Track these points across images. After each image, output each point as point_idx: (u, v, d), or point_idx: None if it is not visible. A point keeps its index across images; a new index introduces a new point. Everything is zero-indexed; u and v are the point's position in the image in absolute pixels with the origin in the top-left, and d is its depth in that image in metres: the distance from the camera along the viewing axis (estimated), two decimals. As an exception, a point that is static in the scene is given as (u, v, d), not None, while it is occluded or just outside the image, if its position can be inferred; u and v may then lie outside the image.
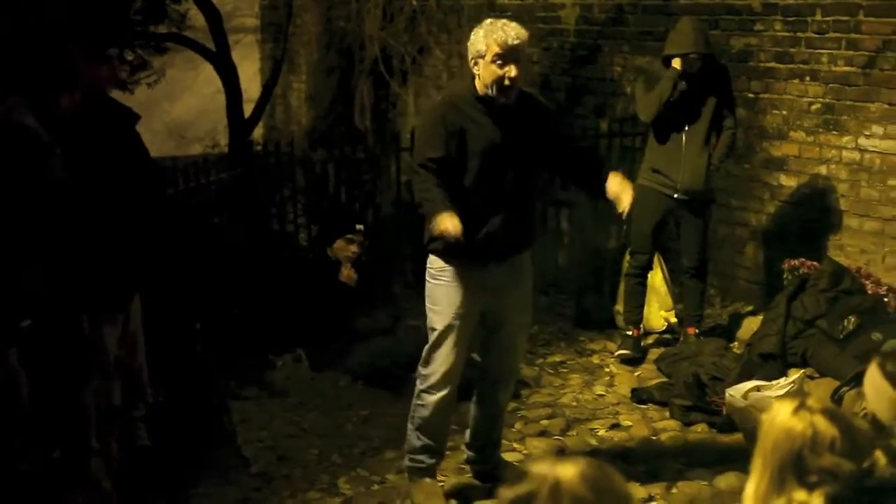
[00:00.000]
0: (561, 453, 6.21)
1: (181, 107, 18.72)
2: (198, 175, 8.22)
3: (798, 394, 6.41)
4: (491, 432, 5.94)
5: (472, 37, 5.32)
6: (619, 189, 5.40)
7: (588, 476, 2.38)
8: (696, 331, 8.08)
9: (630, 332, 8.09)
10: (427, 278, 5.51)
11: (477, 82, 5.33)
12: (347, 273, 7.88)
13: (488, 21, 5.36)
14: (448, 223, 5.01)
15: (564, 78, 10.58)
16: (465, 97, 5.37)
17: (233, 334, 7.46)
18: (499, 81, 5.23)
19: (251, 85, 13.42)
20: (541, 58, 10.83)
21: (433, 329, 5.49)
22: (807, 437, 2.87)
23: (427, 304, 5.53)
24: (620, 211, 5.44)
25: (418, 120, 5.92)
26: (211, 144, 13.62)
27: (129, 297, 5.09)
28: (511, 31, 5.22)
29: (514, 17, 10.70)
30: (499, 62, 5.21)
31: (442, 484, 5.85)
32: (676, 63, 7.52)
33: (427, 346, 5.54)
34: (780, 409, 2.97)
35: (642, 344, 8.18)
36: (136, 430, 5.30)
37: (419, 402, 5.61)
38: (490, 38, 5.21)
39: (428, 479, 5.71)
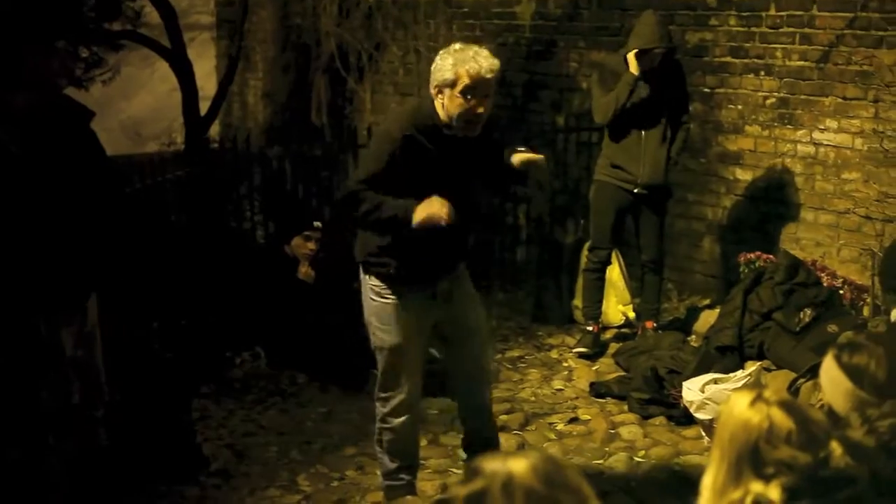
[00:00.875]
0: (521, 448, 6.23)
1: (137, 104, 18.63)
2: (154, 173, 8.18)
3: (755, 386, 6.46)
4: (481, 432, 5.70)
5: (440, 62, 4.96)
6: (520, 158, 5.19)
7: (540, 469, 2.38)
8: (654, 325, 8.12)
9: (590, 328, 8.12)
10: (370, 296, 5.26)
11: (439, 110, 5.00)
12: (305, 270, 7.86)
13: (458, 47, 5.00)
14: (434, 206, 4.84)
15: (521, 74, 10.59)
16: (427, 122, 5.03)
17: (191, 332, 7.43)
18: (465, 115, 4.93)
19: (207, 82, 13.36)
20: (497, 54, 10.73)
21: (382, 349, 5.29)
22: (763, 429, 2.88)
23: (374, 324, 5.30)
24: (533, 160, 5.19)
25: (375, 129, 5.70)
26: (167, 142, 13.55)
27: (86, 295, 5.06)
28: (484, 63, 4.89)
29: (469, 14, 10.80)
30: (468, 95, 4.90)
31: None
32: (633, 68, 7.54)
33: (381, 369, 5.34)
34: (737, 400, 2.98)
35: (600, 338, 8.20)
36: (94, 430, 5.26)
37: (385, 425, 5.42)
38: (461, 68, 4.88)
39: (409, 497, 5.57)
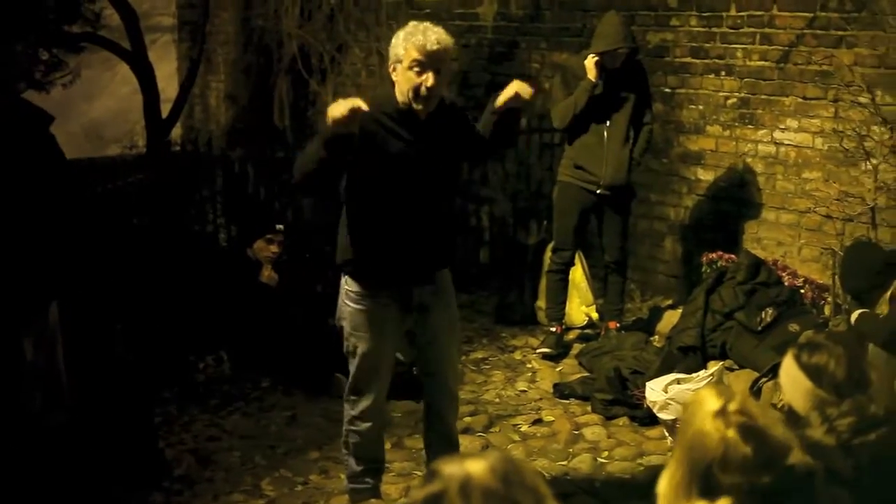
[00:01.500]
0: (485, 450, 6.23)
1: (98, 107, 18.54)
2: (115, 176, 8.14)
3: (723, 389, 6.46)
4: (444, 450, 5.51)
5: (393, 40, 4.97)
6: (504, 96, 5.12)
7: (498, 469, 2.38)
8: (618, 325, 8.14)
9: (553, 329, 8.13)
10: (346, 301, 5.24)
11: (396, 88, 4.99)
12: (268, 273, 7.84)
13: (411, 24, 4.99)
14: (338, 108, 4.69)
15: (483, 74, 10.59)
16: (385, 105, 5.00)
17: (153, 336, 7.40)
18: (415, 89, 4.90)
19: (169, 84, 13.33)
20: (459, 55, 10.83)
21: (354, 353, 5.28)
22: (717, 453, 2.86)
23: (347, 328, 5.28)
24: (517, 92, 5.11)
25: None
26: (129, 145, 13.49)
27: (46, 300, 5.03)
28: (432, 36, 4.87)
29: (431, 15, 10.79)
30: (416, 69, 4.87)
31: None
32: (591, 74, 7.56)
33: (352, 372, 5.34)
34: (703, 403, 2.96)
35: (564, 339, 8.21)
36: (56, 435, 5.22)
37: (353, 428, 5.41)
38: (409, 42, 4.87)
39: (373, 500, 5.55)
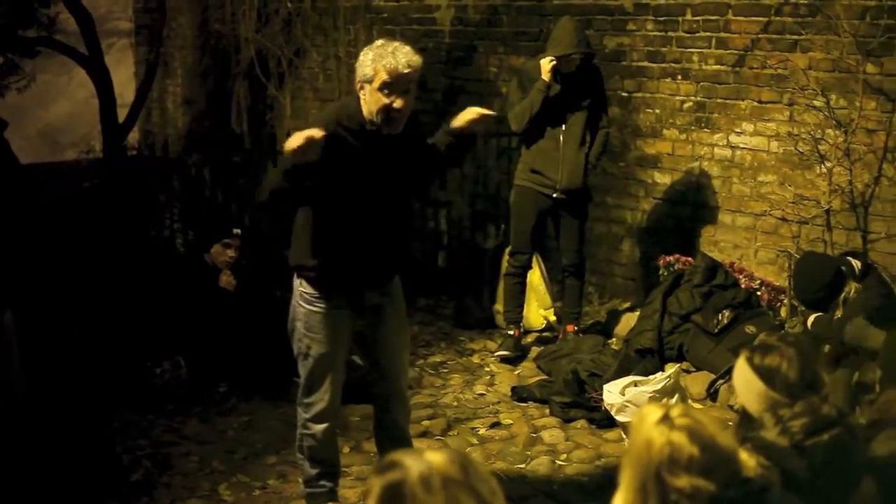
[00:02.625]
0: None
1: (54, 112, 18.39)
2: (72, 180, 8.09)
3: (672, 391, 6.51)
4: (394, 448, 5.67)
5: (361, 57, 4.95)
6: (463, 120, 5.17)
7: (456, 459, 2.41)
8: (576, 328, 8.16)
9: (511, 332, 8.14)
10: (300, 302, 5.26)
11: (363, 106, 4.98)
12: (226, 278, 7.80)
13: (379, 43, 4.97)
14: (295, 139, 4.67)
15: (441, 79, 10.60)
16: (350, 120, 5.00)
17: (111, 342, 7.35)
18: (384, 111, 4.90)
19: (126, 89, 13.24)
20: (417, 59, 10.83)
21: (307, 355, 5.29)
22: (664, 455, 2.87)
23: (300, 329, 5.28)
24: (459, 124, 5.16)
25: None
26: (85, 150, 13.37)
27: (0, 308, 5.00)
28: (402, 59, 4.86)
29: (389, 19, 10.81)
30: (385, 91, 4.87)
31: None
32: (545, 74, 7.58)
33: (305, 375, 5.35)
34: (646, 416, 2.98)
35: (522, 343, 8.23)
36: (11, 443, 5.19)
37: (306, 431, 5.42)
38: (379, 63, 4.86)
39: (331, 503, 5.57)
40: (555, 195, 7.82)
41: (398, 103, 4.90)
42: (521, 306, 8.25)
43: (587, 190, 8.02)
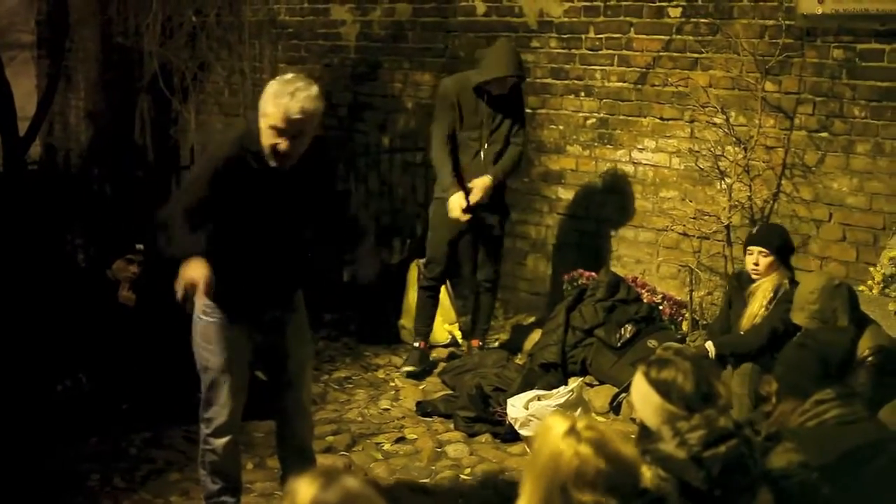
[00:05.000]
0: (347, 469, 6.22)
1: (-46, 125, 18.10)
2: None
3: (575, 404, 6.55)
4: (297, 467, 5.42)
5: (266, 88, 4.90)
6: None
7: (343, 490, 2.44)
8: (480, 343, 8.18)
9: (417, 345, 8.14)
10: (198, 314, 5.22)
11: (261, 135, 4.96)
12: (126, 294, 7.70)
13: (285, 79, 4.91)
14: (196, 272, 4.75)
15: (346, 94, 10.61)
16: (253, 145, 4.96)
17: (9, 358, 7.24)
18: (271, 148, 4.89)
19: (28, 102, 13.04)
20: (322, 74, 10.83)
21: (207, 368, 5.26)
22: (571, 468, 2.89)
23: (198, 342, 5.26)
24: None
25: (205, 148, 5.51)
26: (-15, 163, 13.21)
27: None
28: (296, 105, 4.78)
29: (294, 34, 10.78)
30: (275, 131, 4.84)
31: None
32: (455, 213, 7.64)
33: (204, 388, 5.31)
34: (552, 428, 2.99)
35: (428, 357, 8.22)
36: None
37: (207, 446, 5.38)
38: (275, 102, 4.81)
39: None
40: (471, 206, 7.79)
41: (283, 146, 4.86)
42: (432, 320, 8.24)
43: (505, 206, 8.05)
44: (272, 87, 4.88)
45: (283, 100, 4.80)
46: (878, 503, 4.02)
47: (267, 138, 4.88)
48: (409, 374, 8.03)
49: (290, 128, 4.83)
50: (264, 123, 4.87)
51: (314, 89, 4.90)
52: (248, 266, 5.08)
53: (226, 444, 5.36)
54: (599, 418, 6.87)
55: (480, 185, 7.68)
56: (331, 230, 5.67)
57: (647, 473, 3.04)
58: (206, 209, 4.98)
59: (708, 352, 6.41)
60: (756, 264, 6.56)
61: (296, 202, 5.12)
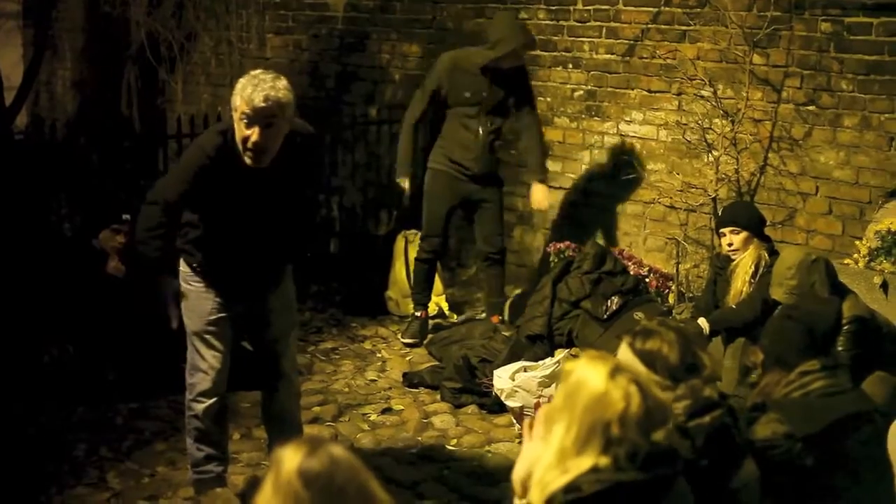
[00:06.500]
0: (334, 439, 6.23)
1: (-61, 95, 18.02)
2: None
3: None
4: (282, 435, 5.43)
5: (237, 83, 4.89)
6: None
7: (325, 461, 2.46)
8: (501, 318, 8.17)
9: (418, 314, 8.14)
10: (181, 281, 5.29)
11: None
12: (115, 265, 7.69)
13: (253, 73, 4.89)
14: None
15: (333, 65, 10.58)
16: (230, 142, 4.94)
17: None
18: (243, 142, 4.85)
19: (14, 72, 12.98)
20: (309, 45, 10.81)
21: (191, 332, 5.32)
22: (619, 409, 2.93)
23: (183, 307, 5.30)
24: None
25: (186, 150, 5.51)
26: (-29, 133, 13.14)
27: None
28: (261, 93, 4.75)
29: (282, 4, 10.74)
30: (245, 122, 4.80)
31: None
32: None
33: (189, 353, 5.38)
34: (592, 369, 3.01)
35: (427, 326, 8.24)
36: None
37: (191, 412, 5.41)
38: (242, 93, 4.80)
39: (219, 489, 5.50)
40: (472, 182, 7.86)
41: (255, 136, 4.81)
42: (430, 289, 8.25)
43: (498, 176, 8.10)
44: (239, 83, 4.88)
45: (248, 89, 4.79)
46: (861, 474, 4.04)
47: (238, 132, 4.86)
48: (410, 345, 8.04)
49: (255, 115, 4.78)
50: (235, 117, 4.86)
51: (281, 81, 4.88)
52: (228, 254, 5.16)
53: (207, 408, 5.37)
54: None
55: (542, 195, 7.88)
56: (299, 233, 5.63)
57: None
58: (187, 200, 5.05)
59: (702, 329, 6.44)
60: (731, 244, 6.58)
61: (270, 201, 5.11)
